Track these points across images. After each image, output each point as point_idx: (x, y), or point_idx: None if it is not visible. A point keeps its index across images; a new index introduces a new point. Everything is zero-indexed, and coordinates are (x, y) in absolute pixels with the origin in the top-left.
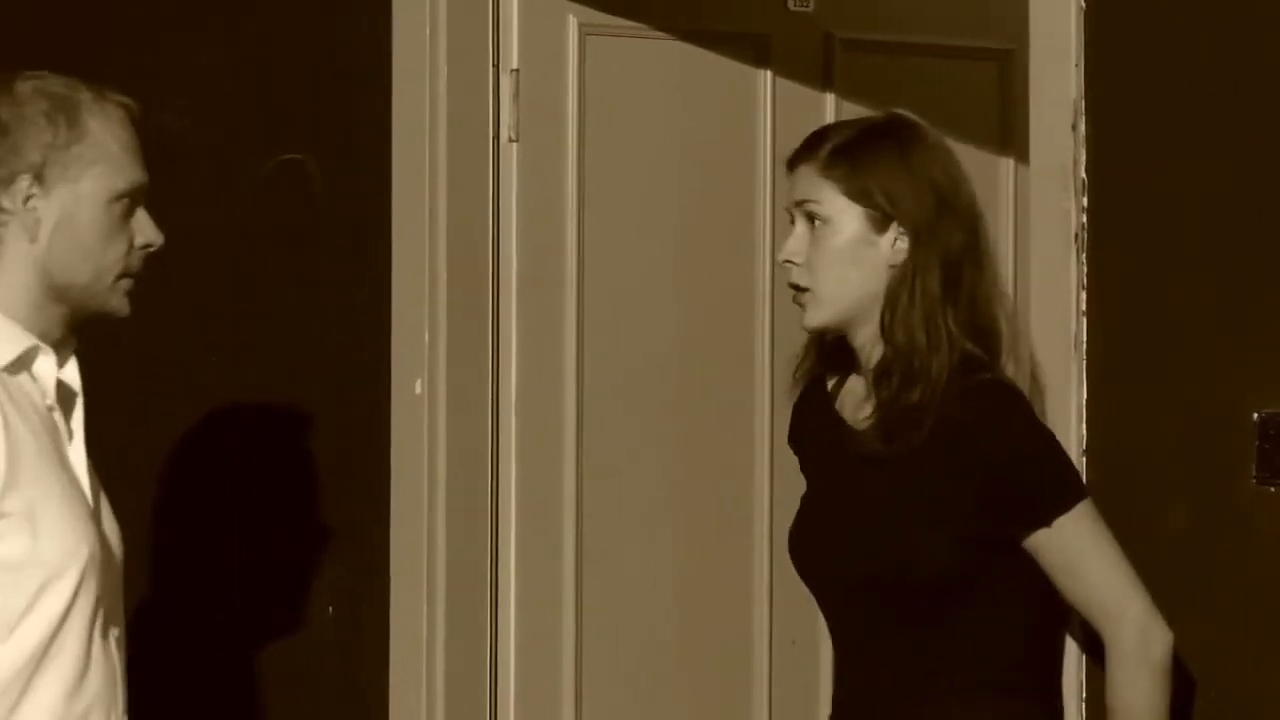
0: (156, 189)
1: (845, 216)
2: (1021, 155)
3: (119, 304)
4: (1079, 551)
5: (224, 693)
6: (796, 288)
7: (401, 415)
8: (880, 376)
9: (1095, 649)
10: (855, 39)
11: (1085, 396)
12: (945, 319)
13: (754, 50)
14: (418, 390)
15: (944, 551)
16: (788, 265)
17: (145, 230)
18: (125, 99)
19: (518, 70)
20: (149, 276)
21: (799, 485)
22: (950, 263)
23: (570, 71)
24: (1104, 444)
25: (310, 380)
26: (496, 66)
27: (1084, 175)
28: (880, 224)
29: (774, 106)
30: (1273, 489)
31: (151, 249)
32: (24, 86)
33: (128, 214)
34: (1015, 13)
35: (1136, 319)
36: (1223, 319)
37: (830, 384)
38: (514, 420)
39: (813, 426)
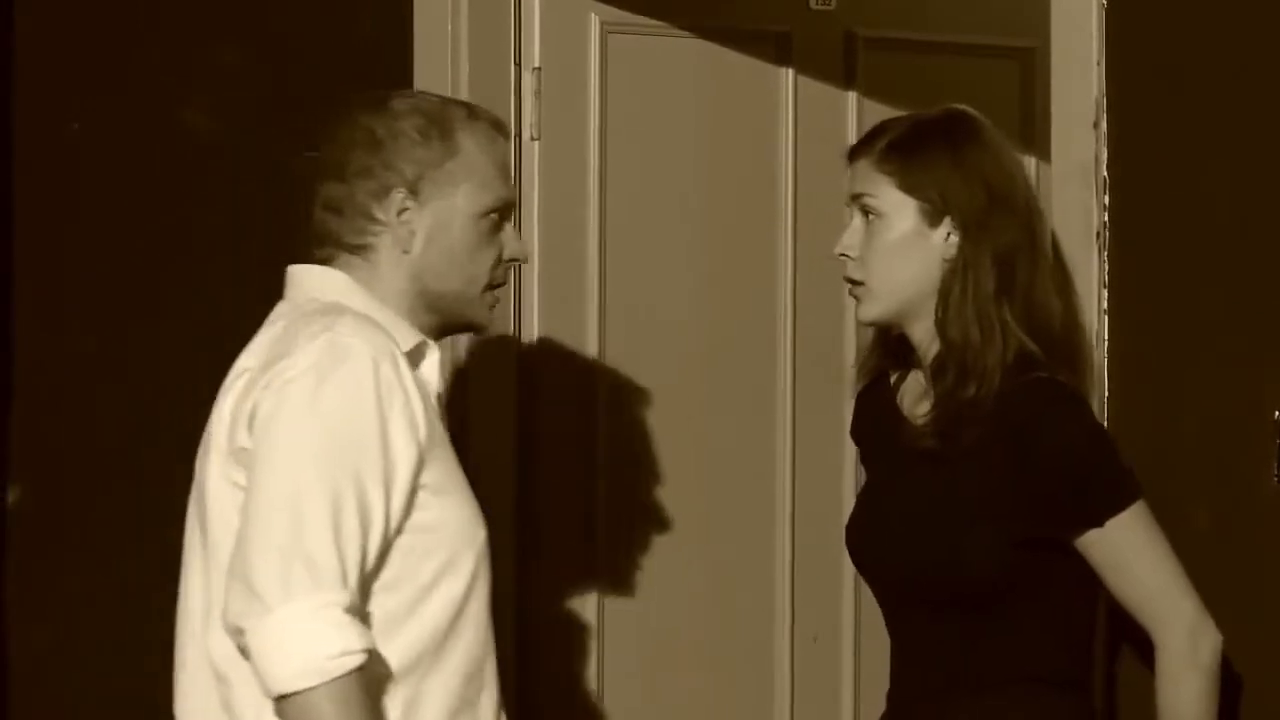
0: (177, 186)
1: (899, 210)
2: (1043, 153)
3: (485, 316)
4: (1131, 552)
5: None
6: (852, 281)
7: None
8: (936, 372)
9: (1117, 645)
10: (877, 37)
11: (1107, 394)
12: (1000, 314)
13: (775, 48)
14: (440, 389)
15: (996, 549)
16: (844, 258)
17: (511, 244)
18: (495, 116)
19: (539, 68)
20: (171, 274)
21: (822, 481)
22: (1003, 258)
23: (592, 70)
24: (1125, 442)
25: None
26: (518, 64)
27: (1105, 173)
28: (933, 218)
29: (795, 104)
30: None
31: (518, 262)
32: (399, 103)
33: (496, 228)
34: (1037, 11)
35: (1158, 317)
36: (1244, 317)
37: (893, 378)
38: (536, 417)
39: (874, 420)
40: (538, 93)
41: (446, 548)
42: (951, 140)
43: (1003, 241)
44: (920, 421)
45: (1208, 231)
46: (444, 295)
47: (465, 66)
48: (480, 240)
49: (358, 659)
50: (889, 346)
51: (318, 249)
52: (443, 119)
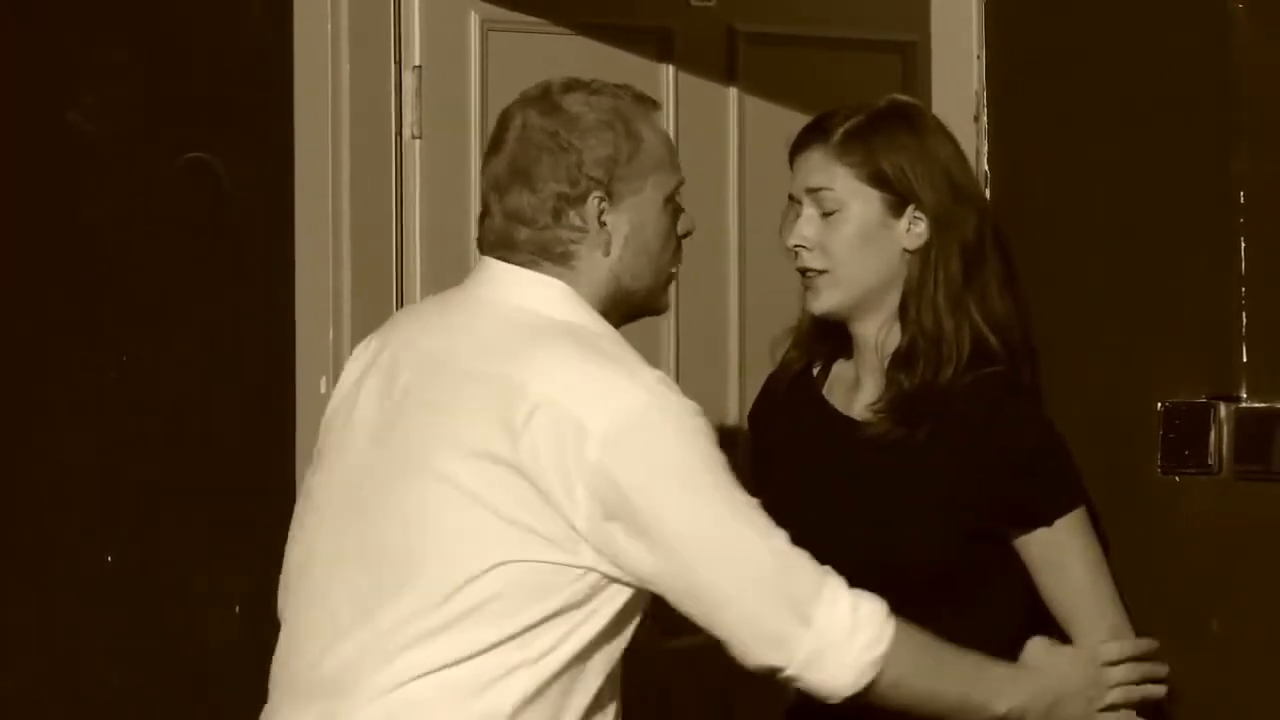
0: (64, 187)
1: (860, 201)
2: None
3: (666, 301)
4: (1070, 555)
5: (122, 695)
6: (812, 271)
7: (306, 413)
8: (903, 361)
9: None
10: (758, 32)
11: None
12: (967, 303)
13: (657, 45)
14: (323, 389)
15: (945, 540)
16: (798, 250)
17: (685, 220)
18: (646, 93)
19: (420, 67)
20: (49, 275)
21: None
22: (968, 247)
23: (472, 68)
24: None
25: (215, 377)
26: (399, 63)
27: (986, 167)
28: (896, 208)
29: (677, 101)
30: (1177, 479)
31: (688, 236)
32: (570, 101)
33: (676, 209)
34: (917, 5)
35: (1041, 310)
36: (1126, 309)
37: (816, 370)
38: None
39: (792, 412)
40: (418, 92)
41: None
42: (910, 129)
43: (967, 230)
44: (862, 415)
45: (1089, 224)
46: (638, 292)
47: (346, 65)
48: (669, 228)
49: (889, 626)
50: (819, 337)
51: (511, 256)
52: (620, 113)
